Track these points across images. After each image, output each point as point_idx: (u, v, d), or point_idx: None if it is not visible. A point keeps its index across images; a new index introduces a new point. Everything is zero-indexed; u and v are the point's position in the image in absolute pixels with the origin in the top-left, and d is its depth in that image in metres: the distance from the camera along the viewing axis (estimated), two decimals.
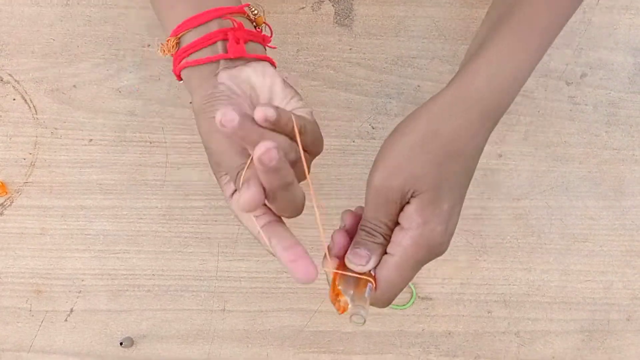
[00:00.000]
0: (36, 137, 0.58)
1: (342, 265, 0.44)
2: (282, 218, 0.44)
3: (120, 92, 0.59)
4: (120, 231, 0.56)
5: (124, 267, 0.56)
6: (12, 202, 0.57)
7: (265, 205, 0.43)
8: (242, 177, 0.40)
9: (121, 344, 0.54)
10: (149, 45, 0.59)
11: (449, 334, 0.56)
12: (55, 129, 0.58)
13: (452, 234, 0.44)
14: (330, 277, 0.43)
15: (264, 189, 0.39)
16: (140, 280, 0.56)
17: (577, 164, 0.59)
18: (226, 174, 0.46)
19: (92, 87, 0.59)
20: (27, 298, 0.55)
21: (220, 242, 0.57)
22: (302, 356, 0.55)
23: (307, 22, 0.61)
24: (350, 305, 0.42)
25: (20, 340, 0.55)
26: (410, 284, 0.56)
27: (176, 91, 0.59)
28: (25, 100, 0.58)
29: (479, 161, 0.58)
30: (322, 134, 0.46)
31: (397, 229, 0.43)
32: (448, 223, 0.43)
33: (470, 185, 0.58)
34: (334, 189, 0.58)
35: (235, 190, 0.45)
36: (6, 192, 0.57)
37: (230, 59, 0.46)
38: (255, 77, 0.46)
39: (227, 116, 0.37)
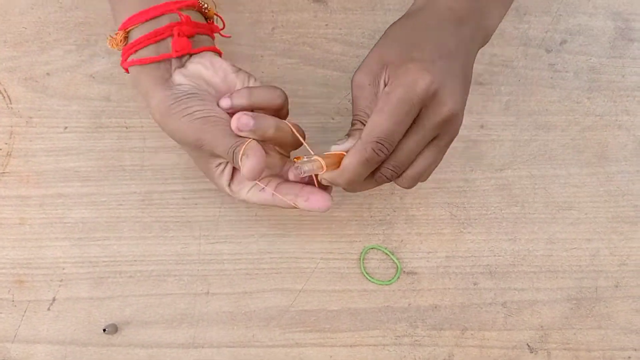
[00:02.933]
0: (11, 127, 0.57)
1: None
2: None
3: (94, 78, 0.58)
4: (100, 218, 0.56)
5: (104, 254, 0.55)
6: None
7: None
8: (240, 153, 0.45)
9: (104, 330, 0.53)
10: None
11: (436, 307, 0.56)
12: (30, 117, 0.57)
13: (450, 84, 0.43)
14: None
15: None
16: (122, 267, 0.55)
17: (560, 131, 0.59)
18: (219, 164, 0.49)
19: (66, 74, 0.58)
20: (9, 288, 0.55)
21: (201, 225, 0.56)
22: (288, 336, 0.55)
23: (281, 0, 0.60)
24: (304, 158, 0.46)
25: (4, 331, 0.54)
26: (395, 258, 0.56)
27: None
28: None
29: (461, 133, 0.57)
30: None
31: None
32: (426, 63, 0.42)
33: (452, 158, 0.58)
34: None
35: (233, 177, 0.49)
36: None
37: (178, 58, 0.46)
38: (206, 71, 0.48)
39: (242, 120, 0.44)
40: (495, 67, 0.59)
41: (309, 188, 0.48)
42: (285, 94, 0.48)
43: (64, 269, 0.55)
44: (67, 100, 0.57)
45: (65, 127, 0.57)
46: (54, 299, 0.55)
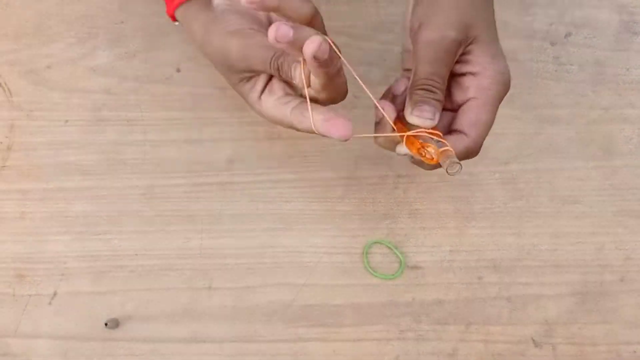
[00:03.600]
0: (12, 120, 0.57)
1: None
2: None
3: (95, 71, 0.57)
4: (101, 212, 0.55)
5: (106, 248, 0.55)
6: None
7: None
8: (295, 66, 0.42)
9: (106, 325, 0.53)
10: (122, 22, 0.58)
11: (440, 302, 0.55)
12: (31, 111, 0.57)
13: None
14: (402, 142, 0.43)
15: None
16: (124, 261, 0.55)
17: (565, 125, 0.58)
18: (250, 78, 0.46)
19: (67, 67, 0.57)
20: (10, 283, 0.54)
21: (203, 219, 0.56)
22: (291, 331, 0.54)
23: None
24: (440, 155, 0.41)
25: (4, 326, 0.54)
26: (398, 253, 0.55)
27: (152, 67, 0.57)
28: (0, 84, 0.57)
29: None
30: None
31: (465, 78, 0.44)
32: (505, 58, 0.45)
33: None
34: (318, 160, 0.57)
35: (263, 92, 0.46)
36: None
37: None
38: None
39: (280, 31, 0.38)
40: None
41: (333, 112, 0.42)
42: (315, 7, 0.44)
43: (65, 263, 0.55)
44: (68, 93, 0.57)
45: (66, 121, 0.57)
46: (55, 294, 0.54)
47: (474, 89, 0.44)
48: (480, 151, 0.57)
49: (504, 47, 0.59)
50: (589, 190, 0.57)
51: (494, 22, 0.45)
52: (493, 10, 0.46)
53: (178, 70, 0.58)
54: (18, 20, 0.58)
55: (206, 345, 0.54)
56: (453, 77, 0.45)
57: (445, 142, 0.42)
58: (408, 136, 0.43)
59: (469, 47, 0.44)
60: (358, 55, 0.58)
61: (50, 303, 0.54)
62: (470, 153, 0.44)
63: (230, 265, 0.55)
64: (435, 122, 0.43)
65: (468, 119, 0.44)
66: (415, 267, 0.56)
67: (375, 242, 0.56)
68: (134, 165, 0.56)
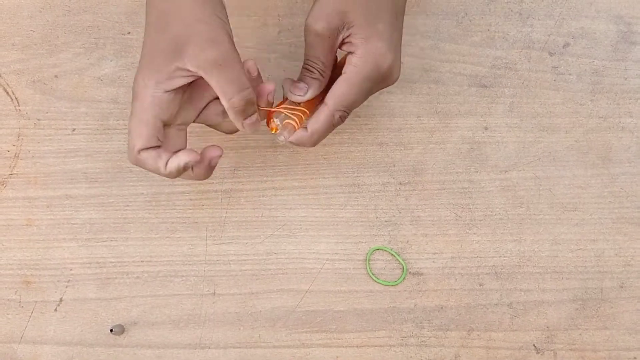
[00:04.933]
0: (19, 128, 0.58)
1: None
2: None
3: (101, 80, 0.58)
4: (107, 219, 0.56)
5: (112, 254, 0.56)
6: None
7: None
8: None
9: (111, 331, 0.53)
10: (129, 33, 0.59)
11: (442, 308, 0.56)
12: (38, 119, 0.58)
13: (398, 58, 0.49)
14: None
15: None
16: (129, 268, 0.55)
17: (564, 133, 0.59)
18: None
19: (74, 77, 0.58)
20: (16, 289, 0.55)
21: (208, 226, 0.56)
22: (294, 336, 0.55)
23: (287, 4, 0.60)
24: (279, 125, 0.50)
25: (10, 332, 0.54)
26: (400, 259, 0.56)
27: None
28: (7, 93, 0.58)
29: (465, 135, 0.58)
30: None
31: (347, 57, 0.48)
32: (389, 42, 0.48)
33: (457, 159, 0.58)
34: (320, 168, 0.58)
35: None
36: None
37: None
38: None
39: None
40: (499, 70, 0.60)
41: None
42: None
43: (71, 269, 0.55)
44: (75, 102, 0.58)
45: (74, 129, 0.57)
46: (61, 300, 0.55)
47: (346, 66, 0.48)
48: (481, 159, 0.58)
49: (503, 56, 0.60)
50: (588, 197, 0.58)
51: (379, 7, 0.48)
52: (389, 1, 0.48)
53: None
54: (25, 30, 0.59)
55: (211, 351, 0.54)
56: (346, 57, 0.49)
57: (304, 117, 0.50)
58: (270, 111, 0.50)
59: (349, 31, 0.48)
60: None
61: (56, 309, 0.55)
62: (329, 123, 0.49)
63: (234, 271, 0.56)
64: (306, 98, 0.49)
65: (332, 91, 0.48)
66: (417, 274, 0.56)
67: (377, 249, 0.57)
68: (139, 173, 0.57)
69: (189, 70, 0.45)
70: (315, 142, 0.50)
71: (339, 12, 0.47)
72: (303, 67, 0.50)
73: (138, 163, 0.47)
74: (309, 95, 0.50)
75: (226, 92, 0.46)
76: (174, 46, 0.45)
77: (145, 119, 0.46)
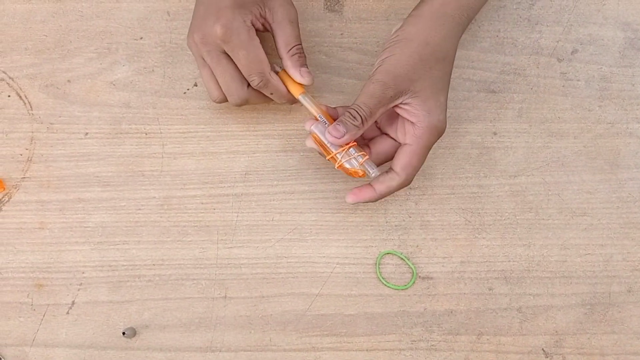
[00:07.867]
0: (32, 132, 0.58)
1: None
2: None
3: (114, 85, 0.59)
4: (119, 222, 0.57)
5: (124, 258, 0.56)
6: (10, 198, 0.57)
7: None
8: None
9: (123, 334, 0.54)
10: (141, 38, 0.60)
11: (451, 312, 0.56)
12: (51, 123, 0.58)
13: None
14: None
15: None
16: (141, 271, 0.56)
17: (572, 139, 0.60)
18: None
19: (87, 81, 0.59)
20: (28, 292, 0.55)
21: (219, 230, 0.57)
22: (305, 340, 0.55)
23: (298, 9, 0.61)
24: (361, 166, 0.52)
25: (22, 335, 0.55)
26: (410, 264, 0.57)
27: (170, 82, 0.59)
28: (20, 97, 0.59)
29: (474, 140, 0.59)
30: None
31: (407, 124, 0.51)
32: (445, 109, 0.52)
33: (466, 164, 0.59)
34: (330, 173, 0.58)
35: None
36: (4, 188, 0.57)
37: None
38: None
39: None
40: (508, 76, 0.60)
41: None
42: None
43: (83, 273, 0.56)
44: (88, 106, 0.58)
45: (86, 133, 0.58)
46: (73, 303, 0.55)
47: (410, 136, 0.51)
48: (490, 164, 0.59)
49: (512, 62, 0.60)
50: (596, 202, 0.58)
51: (445, 81, 0.52)
52: (446, 68, 0.52)
53: (195, 85, 0.59)
54: (38, 35, 0.60)
55: (221, 354, 0.55)
56: (399, 117, 0.52)
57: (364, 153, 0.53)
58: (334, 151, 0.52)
59: (411, 99, 0.50)
60: (369, 71, 0.59)
61: (68, 312, 0.55)
62: (401, 187, 0.52)
63: (245, 275, 0.56)
64: (341, 142, 0.51)
65: (402, 162, 0.51)
66: (426, 278, 0.57)
67: (387, 253, 0.57)
68: (151, 176, 0.57)
69: (266, 20, 0.53)
70: (378, 199, 0.53)
71: (411, 80, 0.50)
72: (348, 110, 0.51)
73: (267, 85, 0.53)
74: (343, 140, 0.51)
75: (289, 42, 0.53)
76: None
77: (255, 47, 0.52)
